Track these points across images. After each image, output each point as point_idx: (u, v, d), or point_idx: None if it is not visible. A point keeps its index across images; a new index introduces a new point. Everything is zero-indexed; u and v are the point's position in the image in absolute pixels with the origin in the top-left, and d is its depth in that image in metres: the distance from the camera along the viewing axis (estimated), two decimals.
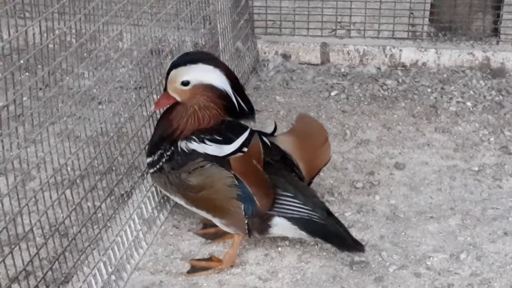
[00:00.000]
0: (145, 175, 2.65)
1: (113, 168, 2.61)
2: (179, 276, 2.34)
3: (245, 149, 2.26)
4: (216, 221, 2.35)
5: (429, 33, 3.79)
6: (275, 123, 2.48)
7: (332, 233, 2.31)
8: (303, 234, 2.34)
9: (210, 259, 2.39)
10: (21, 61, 2.25)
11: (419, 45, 3.70)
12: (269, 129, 2.44)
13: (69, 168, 2.68)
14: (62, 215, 2.29)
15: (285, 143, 2.39)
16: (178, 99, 2.33)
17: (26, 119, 2.83)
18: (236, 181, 2.25)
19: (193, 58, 2.31)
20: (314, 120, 2.62)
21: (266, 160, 2.29)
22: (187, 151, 2.28)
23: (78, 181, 2.67)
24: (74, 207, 2.27)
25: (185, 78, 2.29)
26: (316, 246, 2.48)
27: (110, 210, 2.43)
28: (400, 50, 3.68)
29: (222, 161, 2.26)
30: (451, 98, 3.42)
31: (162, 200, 2.63)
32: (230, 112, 2.35)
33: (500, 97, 3.42)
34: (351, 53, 3.70)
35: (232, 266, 2.36)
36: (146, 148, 2.51)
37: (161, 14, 2.86)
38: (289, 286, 2.31)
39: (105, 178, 2.59)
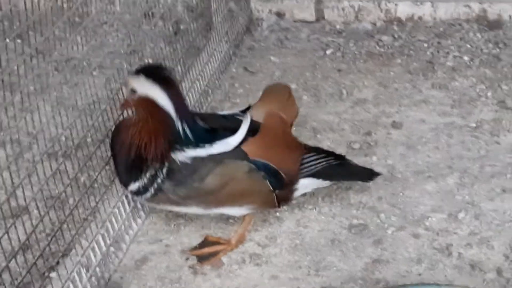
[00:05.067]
0: None
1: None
2: (178, 245, 2.35)
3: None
4: (244, 209, 2.25)
5: None
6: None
7: (352, 169, 2.42)
8: (326, 183, 2.38)
9: (211, 242, 2.32)
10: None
11: None
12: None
13: (63, 138, 2.67)
14: (56, 187, 2.28)
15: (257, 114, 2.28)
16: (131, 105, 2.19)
17: (18, 88, 2.79)
18: (253, 165, 2.17)
19: (149, 72, 2.15)
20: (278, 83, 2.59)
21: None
22: (188, 161, 2.12)
23: (74, 151, 2.66)
24: (71, 180, 2.25)
25: (133, 85, 2.15)
26: (314, 210, 2.48)
27: (107, 181, 2.42)
28: (396, 4, 3.62)
29: (231, 152, 2.16)
30: (447, 52, 3.38)
31: None
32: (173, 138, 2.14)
33: (497, 50, 3.38)
34: (346, 9, 3.65)
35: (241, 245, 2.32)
36: (121, 175, 2.25)
37: None
38: (288, 251, 2.31)
39: (99, 149, 2.57)
